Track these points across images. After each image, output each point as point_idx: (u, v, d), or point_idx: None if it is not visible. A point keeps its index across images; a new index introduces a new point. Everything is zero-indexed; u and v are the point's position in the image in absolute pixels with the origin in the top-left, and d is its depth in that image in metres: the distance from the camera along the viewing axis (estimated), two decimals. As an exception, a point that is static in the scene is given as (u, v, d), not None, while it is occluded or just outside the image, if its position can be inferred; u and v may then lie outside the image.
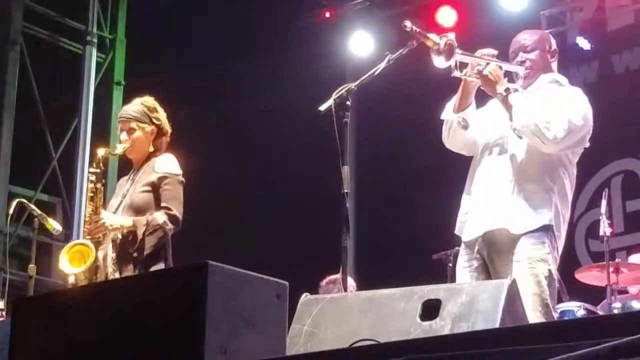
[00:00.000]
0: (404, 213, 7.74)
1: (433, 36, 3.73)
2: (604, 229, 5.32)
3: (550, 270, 3.67)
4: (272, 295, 2.56)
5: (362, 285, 6.10)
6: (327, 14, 8.19)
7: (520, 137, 3.73)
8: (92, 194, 4.14)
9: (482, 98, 3.96)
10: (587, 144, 3.85)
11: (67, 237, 7.46)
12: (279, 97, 7.75)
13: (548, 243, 3.68)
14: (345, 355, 2.43)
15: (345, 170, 3.64)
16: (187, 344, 2.39)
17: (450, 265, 5.38)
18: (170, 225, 3.98)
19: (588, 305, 5.15)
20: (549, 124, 3.66)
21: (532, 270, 3.63)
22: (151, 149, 4.20)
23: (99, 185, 4.15)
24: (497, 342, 1.99)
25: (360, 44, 7.99)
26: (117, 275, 3.92)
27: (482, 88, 3.84)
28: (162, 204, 4.02)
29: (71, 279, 4.02)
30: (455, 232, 3.93)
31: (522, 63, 3.89)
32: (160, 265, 3.97)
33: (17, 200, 5.45)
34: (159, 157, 4.18)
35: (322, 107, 3.66)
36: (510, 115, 3.72)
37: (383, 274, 5.77)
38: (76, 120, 8.20)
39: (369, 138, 7.91)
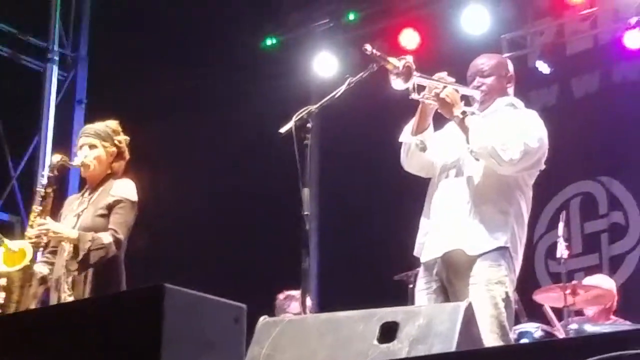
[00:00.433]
0: (367, 233, 7.75)
1: (392, 59, 3.76)
2: (561, 250, 5.40)
3: (507, 293, 3.69)
4: (230, 318, 2.54)
5: (323, 306, 6.10)
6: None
7: (477, 159, 3.77)
8: (40, 198, 4.08)
9: (439, 121, 4.00)
10: (543, 166, 3.90)
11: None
12: (242, 115, 7.74)
13: (505, 265, 3.71)
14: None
15: (306, 193, 3.64)
16: (142, 368, 2.36)
17: (411, 286, 5.37)
18: (113, 248, 3.98)
19: (545, 327, 5.20)
20: (505, 145, 3.70)
21: (490, 292, 3.65)
22: (108, 170, 4.19)
23: (49, 190, 4.10)
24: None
25: (325, 65, 8.02)
26: (70, 299, 3.88)
27: (439, 111, 3.88)
28: (110, 226, 4.02)
29: (2, 281, 3.93)
30: (414, 253, 3.94)
31: (478, 87, 3.94)
32: (115, 289, 3.94)
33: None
34: (117, 180, 4.16)
35: (283, 130, 3.66)
36: (467, 138, 3.76)
37: (345, 294, 5.78)
38: (36, 138, 8.12)
39: (332, 160, 7.94)
